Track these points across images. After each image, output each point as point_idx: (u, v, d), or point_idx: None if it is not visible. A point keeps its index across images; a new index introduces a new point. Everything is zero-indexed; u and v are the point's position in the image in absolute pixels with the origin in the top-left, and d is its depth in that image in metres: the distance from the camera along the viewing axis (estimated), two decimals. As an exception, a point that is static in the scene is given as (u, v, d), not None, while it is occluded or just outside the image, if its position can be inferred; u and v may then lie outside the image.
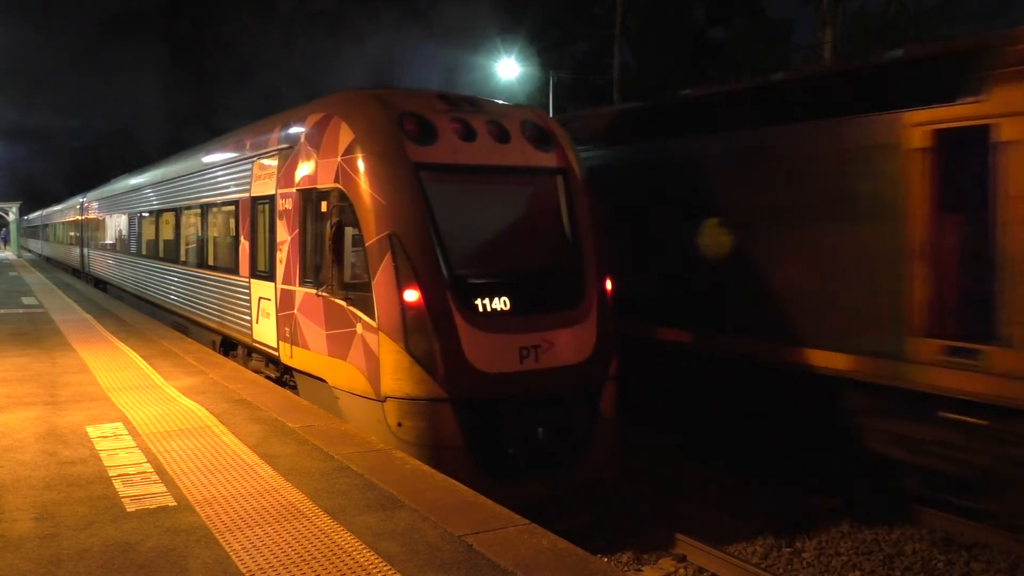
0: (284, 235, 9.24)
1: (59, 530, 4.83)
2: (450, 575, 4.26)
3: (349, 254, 8.03)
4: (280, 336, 9.31)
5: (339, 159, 8.00)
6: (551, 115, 14.24)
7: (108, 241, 23.60)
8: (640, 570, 7.49)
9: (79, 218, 30.55)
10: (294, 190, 8.99)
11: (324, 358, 8.27)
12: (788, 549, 7.91)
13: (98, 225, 25.74)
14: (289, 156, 9.21)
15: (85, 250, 28.89)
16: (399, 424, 7.37)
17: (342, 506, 5.26)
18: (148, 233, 17.95)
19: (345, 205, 7.88)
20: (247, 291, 10.59)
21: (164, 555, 4.48)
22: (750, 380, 9.66)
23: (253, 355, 10.87)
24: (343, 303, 7.94)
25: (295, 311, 8.88)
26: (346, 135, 8.01)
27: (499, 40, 34.42)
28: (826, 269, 8.76)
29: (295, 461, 6.25)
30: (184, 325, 14.25)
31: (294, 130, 9.27)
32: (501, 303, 7.61)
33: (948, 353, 7.65)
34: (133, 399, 8.35)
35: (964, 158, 7.65)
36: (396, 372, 7.35)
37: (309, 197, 8.65)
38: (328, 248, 8.10)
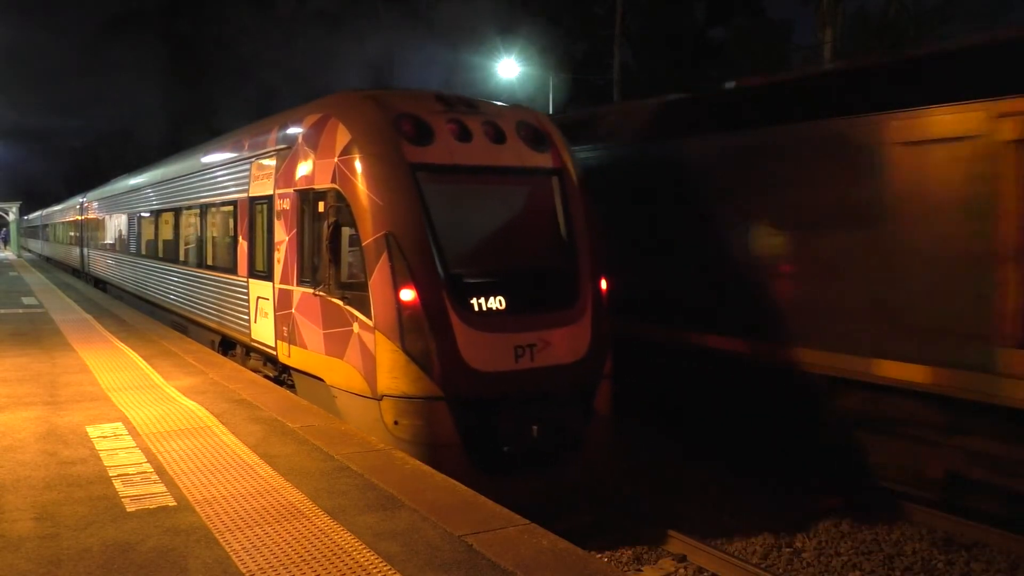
0: (282, 235, 9.25)
1: (59, 530, 4.83)
2: (450, 575, 4.27)
3: (346, 254, 8.06)
4: (278, 335, 9.32)
5: (336, 160, 8.01)
6: (550, 115, 14.22)
7: (108, 241, 23.61)
8: (640, 570, 7.49)
9: (79, 218, 30.54)
10: (292, 190, 9.01)
11: (321, 357, 8.28)
12: (788, 549, 7.91)
13: (98, 225, 25.75)
14: (287, 156, 9.22)
15: (85, 250, 28.88)
16: (395, 422, 7.39)
17: (342, 506, 5.27)
18: (148, 233, 17.95)
19: (342, 205, 7.89)
20: (245, 291, 10.60)
21: (164, 555, 4.48)
22: (814, 392, 8.98)
23: (251, 354, 10.89)
24: (340, 302, 7.96)
25: (293, 310, 8.89)
26: (343, 136, 8.03)
27: (499, 40, 34.41)
28: (904, 273, 8.01)
29: (295, 461, 6.26)
30: (183, 325, 14.26)
31: (292, 131, 9.28)
32: (496, 302, 7.63)
33: None
34: (133, 399, 8.36)
35: None
36: (392, 371, 7.38)
37: (306, 197, 8.66)
38: (325, 248, 8.11)
